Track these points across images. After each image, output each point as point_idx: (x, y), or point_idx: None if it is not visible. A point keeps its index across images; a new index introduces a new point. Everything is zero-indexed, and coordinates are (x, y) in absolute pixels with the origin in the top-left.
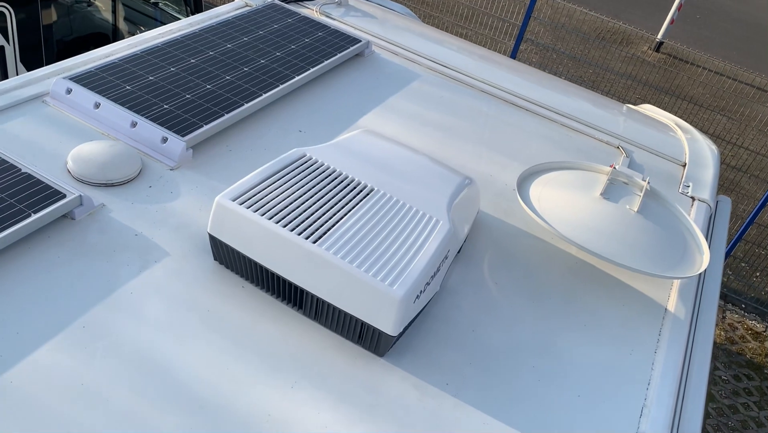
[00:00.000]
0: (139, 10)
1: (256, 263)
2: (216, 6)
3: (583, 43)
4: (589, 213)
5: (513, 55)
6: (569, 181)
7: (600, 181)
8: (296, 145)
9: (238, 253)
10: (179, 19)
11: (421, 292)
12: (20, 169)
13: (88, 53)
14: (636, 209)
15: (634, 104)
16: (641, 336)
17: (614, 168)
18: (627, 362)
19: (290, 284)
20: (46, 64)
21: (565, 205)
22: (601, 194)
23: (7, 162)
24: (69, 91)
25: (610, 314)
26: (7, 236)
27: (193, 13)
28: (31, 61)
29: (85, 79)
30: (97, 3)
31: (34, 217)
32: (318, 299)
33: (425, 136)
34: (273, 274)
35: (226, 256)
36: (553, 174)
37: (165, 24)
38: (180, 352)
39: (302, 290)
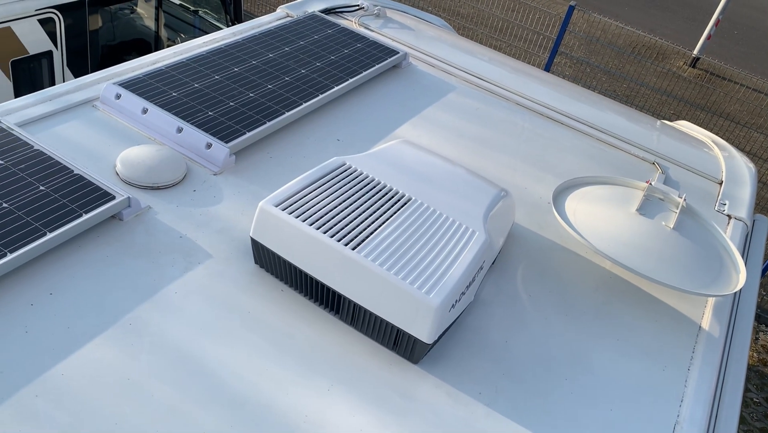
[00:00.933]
0: (179, 18)
1: (295, 267)
2: (255, 15)
3: (618, 57)
4: (624, 228)
5: (547, 68)
6: (605, 196)
7: (636, 197)
8: (334, 153)
9: (279, 257)
10: (219, 26)
11: (456, 301)
12: (72, 171)
13: (136, 60)
14: (672, 226)
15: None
16: (675, 353)
17: (650, 184)
18: (660, 378)
19: (328, 288)
20: (91, 69)
21: (601, 220)
22: (637, 210)
23: (61, 164)
24: (118, 96)
25: (643, 329)
26: (61, 234)
27: (232, 21)
28: (76, 66)
29: (133, 85)
30: (139, 10)
31: (85, 217)
32: (355, 304)
33: (461, 148)
34: (312, 278)
35: (266, 259)
36: (588, 188)
37: (204, 31)
38: (221, 351)
39: (340, 295)
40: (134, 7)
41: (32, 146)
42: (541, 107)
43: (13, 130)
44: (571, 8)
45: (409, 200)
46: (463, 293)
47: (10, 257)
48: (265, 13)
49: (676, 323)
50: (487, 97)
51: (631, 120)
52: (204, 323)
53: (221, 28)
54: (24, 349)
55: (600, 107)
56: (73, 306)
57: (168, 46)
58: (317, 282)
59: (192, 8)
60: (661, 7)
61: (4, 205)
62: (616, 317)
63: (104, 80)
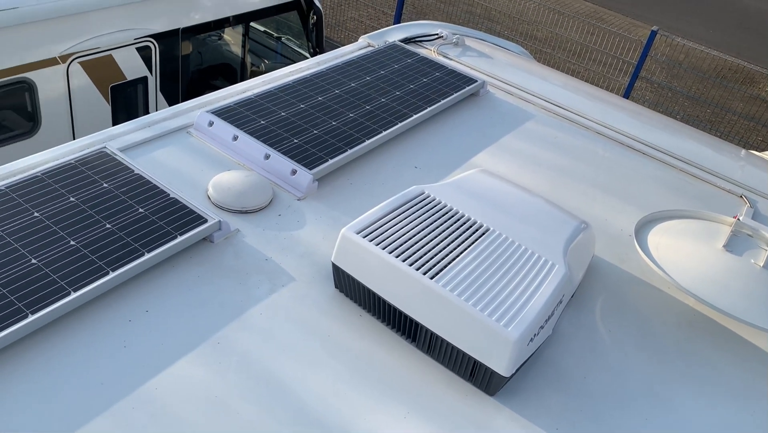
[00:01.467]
0: (263, 44)
1: (374, 294)
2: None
3: (702, 81)
4: (710, 265)
5: (627, 93)
6: (689, 230)
7: (722, 232)
8: (412, 180)
9: (359, 283)
10: (301, 52)
11: (535, 335)
12: (169, 195)
13: (226, 89)
14: (762, 264)
15: (757, 148)
16: (764, 398)
17: (738, 219)
18: (748, 423)
19: (406, 316)
20: (181, 93)
21: (685, 256)
22: (724, 246)
23: (158, 187)
24: (211, 123)
25: (729, 370)
26: (157, 254)
27: (314, 48)
28: (168, 90)
29: (225, 113)
30: (225, 37)
31: (179, 239)
32: (432, 333)
33: (539, 177)
34: (390, 305)
35: (346, 285)
36: (672, 222)
37: (287, 57)
38: (303, 373)
39: (417, 324)
40: (221, 34)
41: (133, 171)
42: (622, 136)
43: (116, 155)
44: (654, 33)
45: (487, 231)
46: (541, 327)
47: (112, 275)
48: (346, 39)
49: (766, 367)
50: (566, 126)
51: (716, 149)
52: (287, 345)
53: (303, 54)
54: (123, 362)
55: (683, 136)
56: (166, 323)
57: (252, 71)
58: (395, 309)
59: (275, 35)
60: (748, 29)
61: (108, 226)
62: (700, 357)
63: (198, 108)
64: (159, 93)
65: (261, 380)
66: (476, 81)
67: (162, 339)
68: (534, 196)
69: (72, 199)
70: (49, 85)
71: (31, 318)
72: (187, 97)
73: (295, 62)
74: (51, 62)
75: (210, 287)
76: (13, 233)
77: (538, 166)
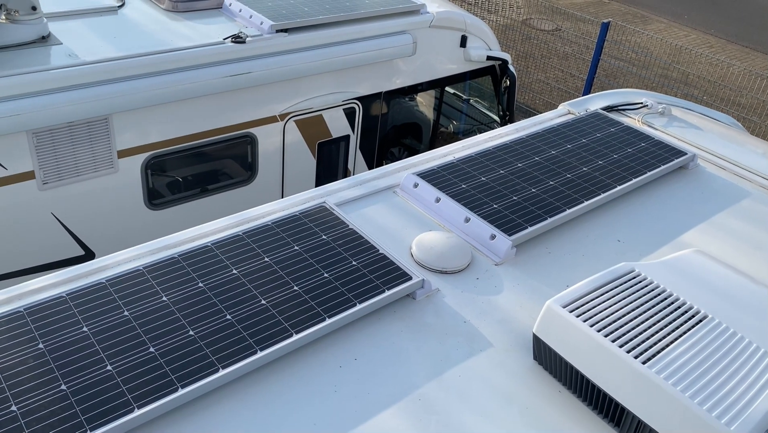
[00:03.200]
0: (452, 105)
1: (578, 372)
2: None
3: None
4: None
5: None
6: None
7: None
8: (615, 254)
9: (562, 358)
10: (490, 115)
11: None
12: (378, 250)
13: (429, 152)
14: None
15: None
16: None
17: None
18: None
19: (611, 399)
20: (377, 150)
21: None
22: None
23: (369, 242)
24: (416, 185)
25: None
26: (367, 306)
27: (504, 110)
28: (366, 147)
29: (429, 176)
30: (417, 98)
31: (387, 293)
32: (640, 421)
33: (758, 261)
34: (594, 386)
35: (547, 358)
36: None
37: (475, 119)
38: None
39: (623, 409)
40: (414, 96)
41: (347, 225)
42: None
43: (333, 210)
44: None
45: (705, 318)
46: (767, 430)
47: (328, 321)
48: (532, 101)
49: None
50: None
51: None
52: (485, 411)
53: (492, 117)
54: (333, 406)
55: None
56: (373, 373)
57: (441, 131)
58: (600, 391)
59: (464, 97)
60: None
61: (325, 275)
62: None
63: (403, 169)
64: (358, 150)
65: None
66: (686, 153)
67: (368, 388)
68: (756, 283)
69: (296, 247)
70: (268, 140)
71: (259, 354)
72: (380, 154)
73: (483, 124)
74: (272, 120)
75: (412, 342)
76: (247, 274)
77: (757, 250)
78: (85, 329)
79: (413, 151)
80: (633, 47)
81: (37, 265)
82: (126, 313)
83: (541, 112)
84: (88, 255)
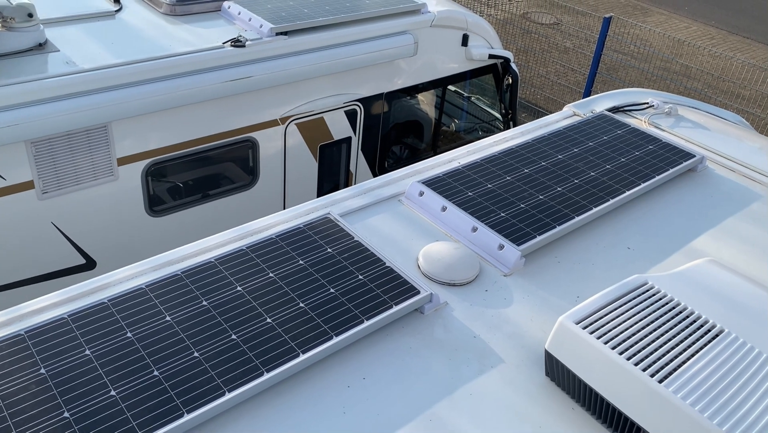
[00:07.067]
0: (453, 104)
1: (592, 390)
2: (521, 98)
3: None
4: None
5: None
6: None
7: None
8: (625, 262)
9: (575, 375)
10: (492, 113)
11: None
12: (384, 263)
13: (433, 158)
14: None
15: None
16: None
17: None
18: None
19: (627, 418)
20: (379, 151)
21: None
22: None
23: (375, 255)
24: (421, 194)
25: None
26: (375, 322)
27: (506, 108)
28: (367, 148)
29: (434, 184)
30: (419, 96)
31: (395, 308)
32: None
33: None
34: (609, 404)
35: (560, 374)
36: None
37: (476, 117)
38: None
39: (640, 428)
40: (416, 95)
41: (353, 237)
42: None
43: (338, 221)
44: None
45: (721, 332)
46: None
47: (335, 340)
48: (532, 96)
49: None
50: None
51: None
52: (498, 431)
53: (494, 115)
54: (341, 429)
55: None
56: (382, 393)
57: (443, 130)
58: (615, 409)
59: (466, 94)
60: None
61: (331, 290)
62: None
63: (408, 177)
64: (360, 152)
65: None
66: (694, 156)
67: (378, 409)
68: None
69: (301, 262)
70: (269, 144)
71: (266, 376)
72: (382, 154)
73: (485, 122)
74: (273, 123)
75: (421, 359)
76: (251, 291)
77: None
78: (87, 352)
79: (415, 150)
80: (634, 40)
81: (39, 275)
82: (129, 334)
83: (542, 108)
84: (90, 264)
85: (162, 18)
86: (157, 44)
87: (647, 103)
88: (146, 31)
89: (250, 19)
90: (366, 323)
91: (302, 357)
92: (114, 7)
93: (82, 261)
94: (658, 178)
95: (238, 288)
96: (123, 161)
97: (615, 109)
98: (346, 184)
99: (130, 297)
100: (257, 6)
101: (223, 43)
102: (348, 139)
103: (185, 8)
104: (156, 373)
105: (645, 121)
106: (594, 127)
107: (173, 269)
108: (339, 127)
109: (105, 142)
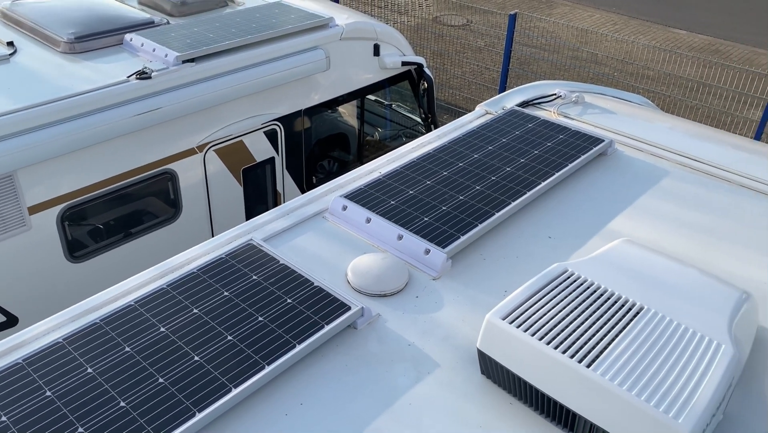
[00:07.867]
0: (375, 112)
1: (526, 382)
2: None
3: None
4: None
5: (760, 129)
6: None
7: None
8: (547, 252)
9: (508, 371)
10: (412, 118)
11: (707, 424)
12: (313, 283)
13: (355, 170)
14: None
15: None
16: None
17: None
18: None
19: (562, 406)
20: (305, 168)
21: None
22: None
23: (303, 276)
24: (344, 208)
25: None
26: (308, 345)
27: (426, 112)
28: (293, 166)
29: (357, 197)
30: (340, 109)
31: (327, 328)
32: (593, 425)
33: (685, 241)
34: (543, 395)
35: (494, 372)
36: None
37: (399, 123)
38: None
39: (575, 414)
40: (336, 108)
41: (278, 261)
42: None
43: (262, 246)
44: None
45: (641, 309)
46: (713, 415)
47: (268, 369)
48: (451, 97)
49: None
50: (706, 180)
51: None
52: None
53: (414, 120)
54: None
55: None
56: (321, 416)
57: (367, 140)
58: (550, 399)
59: (386, 102)
60: None
61: (260, 319)
62: None
63: (330, 192)
64: (285, 171)
65: None
66: (603, 140)
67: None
68: (687, 266)
69: (226, 293)
70: (188, 173)
71: (198, 417)
72: (309, 171)
73: (407, 128)
74: (190, 152)
75: (358, 375)
76: (175, 330)
77: (683, 229)
78: (4, 418)
79: (343, 163)
80: (542, 33)
81: None
82: (48, 393)
83: (462, 108)
84: (11, 321)
85: (61, 57)
86: (58, 84)
87: (555, 94)
88: (45, 72)
89: (154, 50)
90: (298, 347)
91: (235, 391)
92: (8, 51)
93: (2, 319)
94: (570, 166)
95: (162, 329)
96: (34, 209)
97: (525, 104)
98: (275, 205)
99: (48, 353)
100: (161, 36)
101: (128, 76)
102: (271, 160)
103: (85, 45)
104: (81, 430)
105: (554, 112)
106: (506, 124)
107: (92, 317)
108: (260, 149)
109: (12, 192)
